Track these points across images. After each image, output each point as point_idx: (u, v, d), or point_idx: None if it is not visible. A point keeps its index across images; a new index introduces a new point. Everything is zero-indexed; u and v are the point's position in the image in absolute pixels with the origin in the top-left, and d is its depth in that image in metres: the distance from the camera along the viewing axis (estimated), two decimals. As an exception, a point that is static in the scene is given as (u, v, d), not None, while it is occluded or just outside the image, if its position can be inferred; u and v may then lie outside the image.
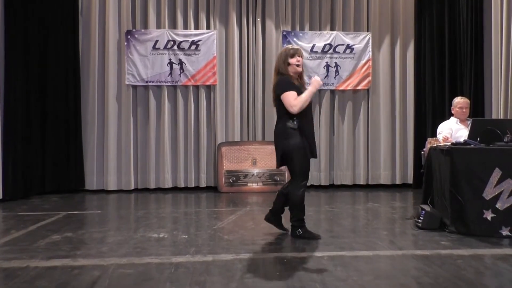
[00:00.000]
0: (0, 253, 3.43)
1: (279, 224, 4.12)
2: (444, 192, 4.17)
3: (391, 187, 7.30)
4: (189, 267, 3.08)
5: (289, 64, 3.86)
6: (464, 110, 5.05)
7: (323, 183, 7.26)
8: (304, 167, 3.86)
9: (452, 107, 5.18)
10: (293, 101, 3.76)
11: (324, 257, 3.30)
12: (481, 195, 3.92)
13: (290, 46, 4.06)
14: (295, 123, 3.83)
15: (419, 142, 6.97)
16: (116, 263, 3.15)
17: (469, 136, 4.19)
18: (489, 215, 3.91)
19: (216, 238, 3.94)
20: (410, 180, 7.35)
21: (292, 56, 3.86)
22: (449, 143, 4.35)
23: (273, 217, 4.11)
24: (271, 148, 6.94)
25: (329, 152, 7.31)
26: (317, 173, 7.28)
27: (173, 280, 2.83)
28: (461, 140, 4.42)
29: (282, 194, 4.00)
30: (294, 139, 3.82)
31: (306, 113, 3.88)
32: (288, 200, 3.91)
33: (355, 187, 7.32)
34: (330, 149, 7.33)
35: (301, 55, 3.91)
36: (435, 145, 4.63)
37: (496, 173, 3.89)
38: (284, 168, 6.98)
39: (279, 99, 3.84)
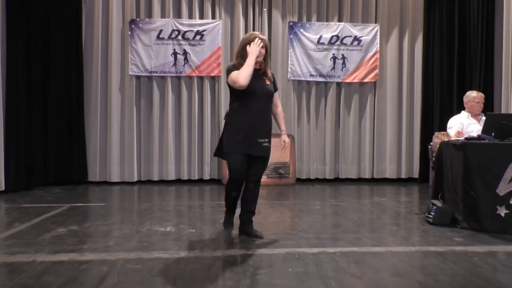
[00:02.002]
0: (5, 247, 3.35)
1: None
2: (456, 187, 4.10)
3: (397, 181, 7.24)
4: (199, 263, 3.01)
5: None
6: (481, 104, 4.97)
7: (328, 177, 7.19)
8: (232, 165, 3.54)
9: (466, 100, 5.07)
10: (234, 76, 3.44)
11: (336, 253, 3.23)
12: (494, 191, 3.85)
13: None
14: (228, 113, 3.62)
15: (425, 136, 6.91)
16: (124, 258, 3.07)
17: (483, 131, 4.11)
18: (502, 211, 3.84)
19: (223, 232, 3.86)
20: (415, 175, 7.29)
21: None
22: (462, 138, 4.27)
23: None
24: (276, 140, 6.86)
25: (335, 145, 7.24)
26: (322, 166, 7.21)
27: (183, 276, 2.75)
28: (473, 134, 4.35)
29: None
30: (225, 133, 3.61)
31: (246, 103, 3.51)
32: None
33: (360, 181, 7.25)
34: (335, 142, 7.25)
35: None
36: (446, 139, 4.55)
37: (511, 169, 3.81)
38: (289, 161, 6.94)
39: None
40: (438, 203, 4.24)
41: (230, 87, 3.57)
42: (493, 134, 4.00)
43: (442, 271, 2.88)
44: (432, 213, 4.16)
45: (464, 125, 4.93)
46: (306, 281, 2.68)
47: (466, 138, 4.12)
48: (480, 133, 4.20)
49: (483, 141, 3.98)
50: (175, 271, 2.85)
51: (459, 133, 4.69)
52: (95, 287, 2.56)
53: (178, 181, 6.97)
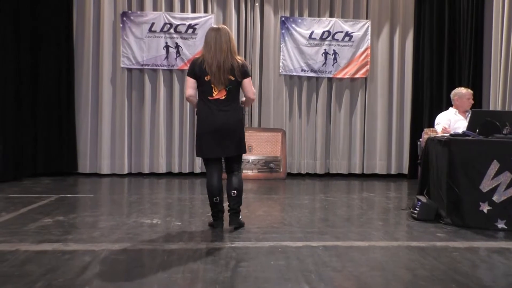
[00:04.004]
0: (-11, 236, 3.37)
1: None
2: (440, 183, 4.14)
3: (386, 177, 7.28)
4: (182, 255, 3.03)
5: None
6: (471, 100, 5.02)
7: (318, 172, 7.23)
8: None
9: (455, 97, 5.08)
10: (253, 88, 3.66)
11: (319, 247, 3.26)
12: (478, 187, 3.88)
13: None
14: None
15: (415, 132, 6.95)
16: (108, 249, 3.09)
17: (468, 128, 4.15)
18: (485, 208, 3.88)
19: (209, 225, 3.87)
20: (405, 170, 7.34)
21: None
22: (448, 134, 4.31)
23: None
24: (267, 135, 6.94)
25: (325, 140, 7.27)
26: (313, 161, 7.24)
27: (166, 267, 2.78)
28: (460, 131, 4.38)
29: None
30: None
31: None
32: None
33: (350, 176, 7.29)
34: (326, 138, 7.28)
35: None
36: (433, 135, 4.58)
37: (494, 165, 3.85)
38: (280, 155, 6.96)
39: (240, 81, 3.58)
40: (423, 198, 4.28)
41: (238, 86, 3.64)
42: (477, 130, 4.04)
43: (422, 265, 2.91)
44: (417, 209, 4.20)
45: (452, 121, 4.96)
46: (286, 274, 2.71)
47: (451, 135, 4.15)
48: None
49: (467, 138, 4.01)
50: (157, 262, 2.87)
51: (445, 129, 4.73)
52: (76, 276, 2.58)
53: (169, 174, 6.99)
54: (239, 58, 3.59)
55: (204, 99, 3.57)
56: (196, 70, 3.52)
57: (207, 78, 3.50)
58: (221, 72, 3.48)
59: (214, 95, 3.54)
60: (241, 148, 3.68)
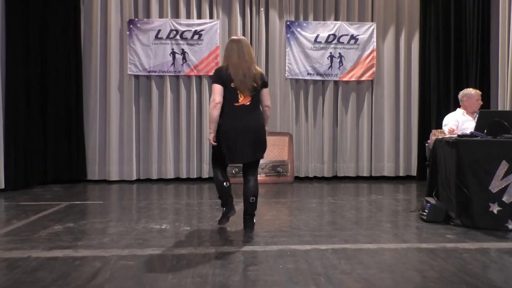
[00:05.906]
0: (1, 243, 3.41)
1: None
2: (449, 185, 4.12)
3: (395, 179, 7.26)
4: (191, 259, 3.04)
5: None
6: (480, 101, 5.01)
7: (326, 175, 7.22)
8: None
9: (464, 98, 5.06)
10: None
11: (328, 250, 3.26)
12: (487, 188, 3.86)
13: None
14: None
15: (423, 134, 6.93)
16: (118, 255, 3.12)
17: (476, 128, 4.13)
18: (495, 208, 3.86)
19: (218, 230, 3.90)
20: (413, 172, 7.31)
21: None
22: (455, 135, 4.29)
23: None
24: (274, 139, 6.95)
25: (333, 143, 7.26)
26: (320, 164, 7.24)
27: (175, 272, 2.79)
28: (468, 132, 4.36)
29: None
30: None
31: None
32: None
33: (358, 179, 7.27)
34: (333, 141, 7.27)
35: None
36: (440, 137, 4.57)
37: (503, 166, 3.83)
38: (287, 159, 6.97)
39: (260, 89, 3.76)
40: (432, 200, 4.26)
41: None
42: (485, 131, 4.02)
43: (431, 267, 2.90)
44: (426, 211, 4.18)
45: (460, 122, 4.95)
46: (295, 277, 2.72)
47: (459, 135, 4.14)
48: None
49: (475, 138, 4.00)
50: (167, 267, 2.89)
51: (452, 130, 4.71)
52: (87, 282, 2.60)
53: (177, 180, 7.02)
54: (258, 68, 3.79)
55: (230, 105, 3.67)
56: (224, 77, 3.64)
57: (232, 84, 3.64)
58: (247, 79, 3.64)
59: (240, 101, 3.67)
60: (261, 152, 3.81)
